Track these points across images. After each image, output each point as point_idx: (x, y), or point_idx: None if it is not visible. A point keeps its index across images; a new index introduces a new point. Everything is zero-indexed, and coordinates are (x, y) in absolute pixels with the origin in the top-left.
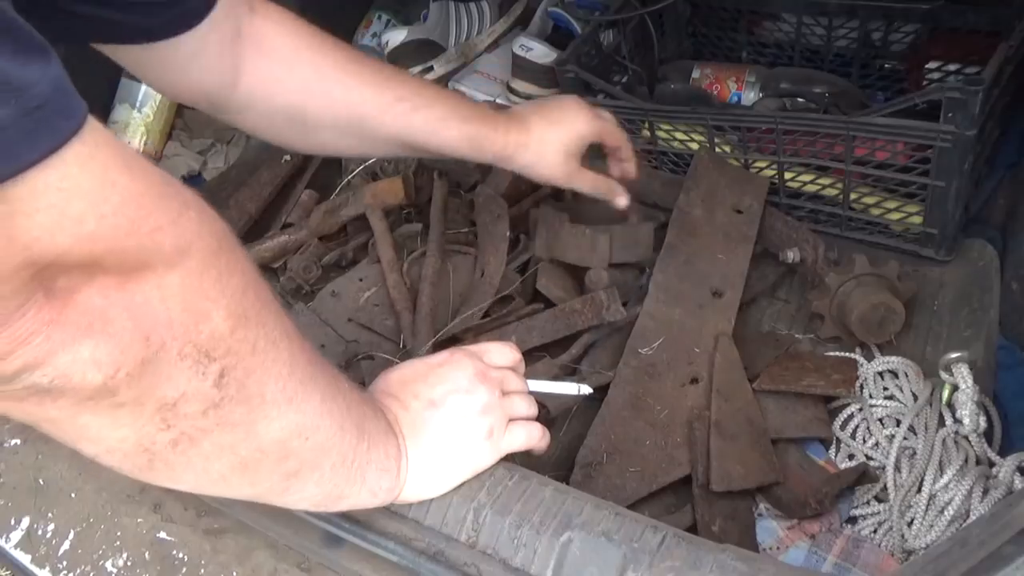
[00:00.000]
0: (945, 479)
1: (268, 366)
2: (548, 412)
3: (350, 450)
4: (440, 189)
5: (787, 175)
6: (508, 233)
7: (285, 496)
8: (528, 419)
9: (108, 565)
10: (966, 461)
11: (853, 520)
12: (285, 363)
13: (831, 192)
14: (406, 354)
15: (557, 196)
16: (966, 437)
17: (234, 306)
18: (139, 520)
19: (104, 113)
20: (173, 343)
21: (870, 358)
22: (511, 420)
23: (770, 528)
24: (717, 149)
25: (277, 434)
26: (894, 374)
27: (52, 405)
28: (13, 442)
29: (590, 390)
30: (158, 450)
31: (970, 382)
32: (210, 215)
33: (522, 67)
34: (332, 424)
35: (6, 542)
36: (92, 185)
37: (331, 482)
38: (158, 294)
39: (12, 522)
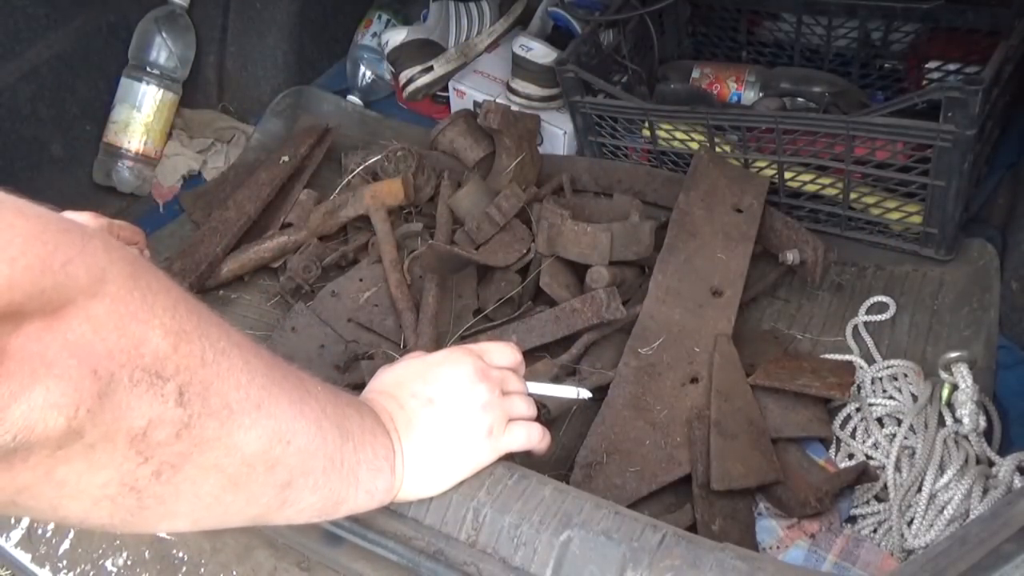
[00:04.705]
0: (945, 479)
1: (224, 375)
2: (548, 412)
3: (336, 451)
4: (446, 189)
5: (787, 175)
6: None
7: (285, 509)
8: (528, 419)
9: (108, 564)
10: (966, 461)
11: (853, 519)
12: (241, 370)
13: (831, 192)
14: (407, 353)
15: (559, 193)
16: (966, 436)
17: (169, 323)
18: None
19: (104, 113)
20: (121, 371)
21: (871, 362)
22: (511, 420)
23: (770, 527)
24: (717, 149)
25: (256, 443)
26: (893, 377)
27: (24, 467)
28: None
29: (589, 394)
30: (143, 486)
31: (970, 381)
32: (115, 243)
33: (522, 67)
34: (309, 426)
35: (6, 541)
36: None
37: (326, 487)
38: (89, 327)
39: (12, 521)
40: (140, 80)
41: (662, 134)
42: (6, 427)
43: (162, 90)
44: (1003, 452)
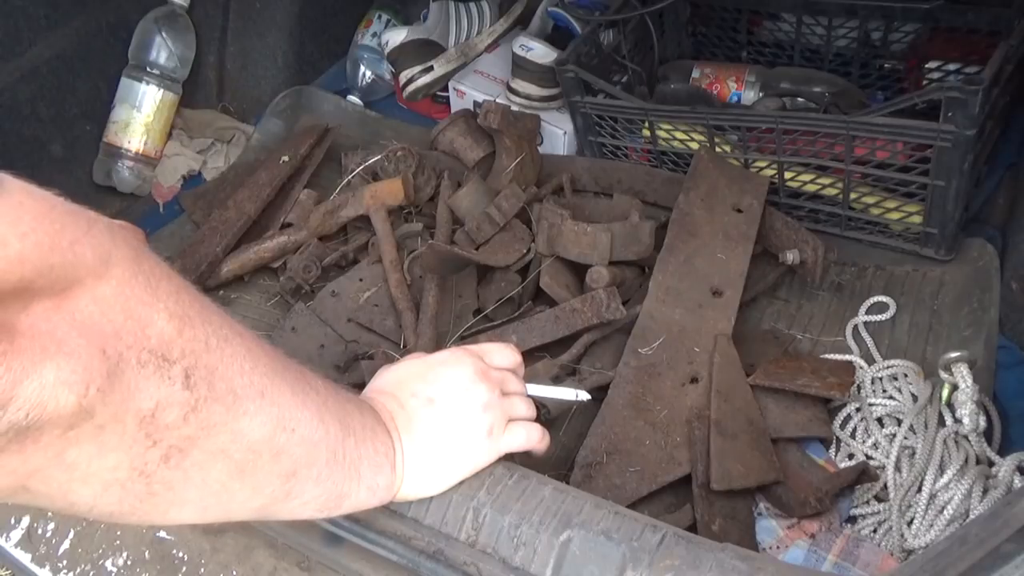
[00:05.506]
0: (945, 479)
1: (228, 361)
2: (548, 412)
3: (338, 444)
4: (446, 189)
5: (787, 175)
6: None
7: (290, 501)
8: (528, 420)
9: (108, 564)
10: (966, 461)
11: (853, 519)
12: (244, 357)
13: (831, 192)
14: (407, 353)
15: (559, 193)
16: (966, 436)
17: (173, 308)
18: None
19: (104, 113)
20: (129, 352)
21: (871, 362)
22: (511, 420)
23: (770, 527)
24: (717, 149)
25: (261, 429)
26: (893, 377)
27: (35, 448)
28: None
29: (588, 396)
30: (152, 470)
31: (970, 382)
32: (118, 228)
33: (522, 67)
34: (312, 417)
35: (6, 541)
36: (4, 208)
37: (329, 479)
38: (96, 307)
39: (12, 521)
40: (140, 80)
41: (662, 134)
42: (19, 404)
43: (162, 90)
44: (1003, 452)
